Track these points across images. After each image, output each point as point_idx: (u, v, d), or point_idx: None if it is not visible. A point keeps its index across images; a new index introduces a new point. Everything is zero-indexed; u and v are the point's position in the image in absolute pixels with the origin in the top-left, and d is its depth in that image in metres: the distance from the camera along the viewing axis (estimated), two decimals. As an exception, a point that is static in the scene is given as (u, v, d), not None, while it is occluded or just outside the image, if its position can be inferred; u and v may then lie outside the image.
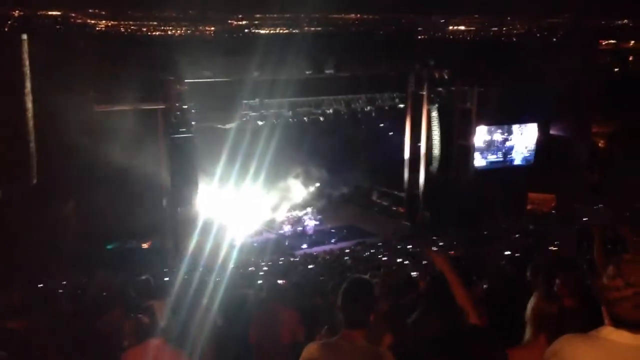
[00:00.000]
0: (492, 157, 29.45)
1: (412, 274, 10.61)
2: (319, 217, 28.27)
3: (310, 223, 27.41)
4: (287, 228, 27.26)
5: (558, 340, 2.82)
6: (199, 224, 24.90)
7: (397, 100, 27.25)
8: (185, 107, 23.22)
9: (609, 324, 2.67)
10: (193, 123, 23.53)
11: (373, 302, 3.66)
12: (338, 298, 3.65)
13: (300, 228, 27.45)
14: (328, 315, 5.29)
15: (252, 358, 6.42)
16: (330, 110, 25.99)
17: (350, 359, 3.51)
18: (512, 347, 3.79)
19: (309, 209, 28.19)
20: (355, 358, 3.52)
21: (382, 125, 29.53)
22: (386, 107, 27.04)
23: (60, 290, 14.11)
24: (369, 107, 26.67)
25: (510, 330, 4.46)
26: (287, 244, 26.05)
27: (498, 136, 29.41)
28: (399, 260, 17.70)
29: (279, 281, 11.29)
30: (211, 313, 6.59)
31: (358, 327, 3.57)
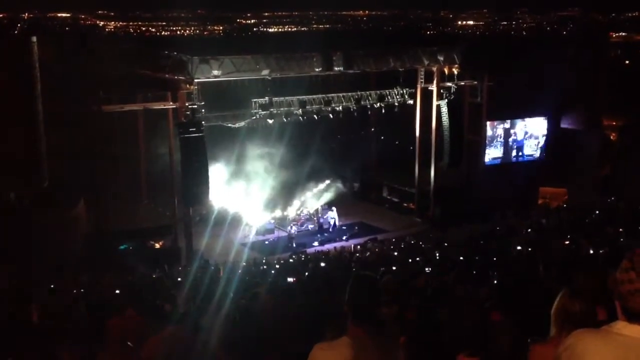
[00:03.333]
0: (495, 153, 29.35)
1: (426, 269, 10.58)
2: (330, 213, 28.24)
3: (327, 216, 27.47)
4: (298, 225, 27.22)
5: (571, 335, 2.77)
6: (211, 222, 24.99)
7: (406, 96, 27.16)
8: (195, 106, 23.26)
9: (622, 318, 2.61)
10: (203, 122, 23.57)
11: (379, 298, 3.65)
12: (345, 294, 3.65)
13: (312, 225, 27.44)
14: (337, 313, 5.29)
15: (263, 354, 6.43)
16: (340, 107, 25.94)
17: (362, 355, 3.50)
18: (535, 342, 3.77)
19: (319, 206, 28.17)
20: (366, 354, 3.51)
21: (391, 121, 29.41)
22: (395, 103, 26.97)
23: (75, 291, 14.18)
24: (378, 104, 26.61)
25: (524, 324, 4.46)
26: (295, 242, 25.94)
27: (501, 131, 29.35)
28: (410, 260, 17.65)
29: (290, 279, 11.31)
30: (224, 308, 6.62)
31: (364, 323, 3.56)
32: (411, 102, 27.45)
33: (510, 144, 29.64)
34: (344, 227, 27.70)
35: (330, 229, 27.21)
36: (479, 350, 3.13)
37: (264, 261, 21.41)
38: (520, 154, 29.86)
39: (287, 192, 28.12)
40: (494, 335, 4.31)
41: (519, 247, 15.45)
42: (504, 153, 29.53)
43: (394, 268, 13.10)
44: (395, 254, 19.77)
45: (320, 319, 5.49)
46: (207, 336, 5.58)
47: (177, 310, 5.11)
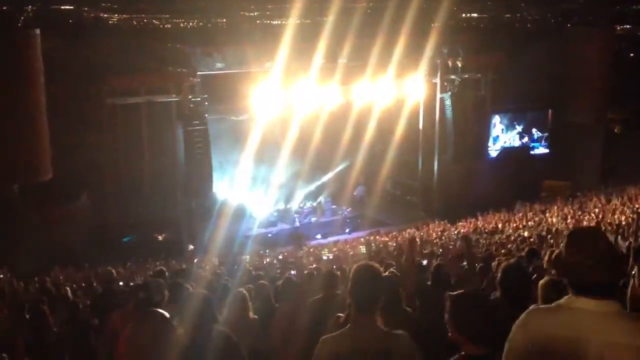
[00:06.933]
0: (499, 146, 29.29)
1: (423, 262, 10.56)
2: (333, 206, 28.21)
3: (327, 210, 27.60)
4: (301, 218, 27.19)
5: (525, 313, 2.92)
6: (214, 215, 24.98)
7: (410, 88, 27.04)
8: (199, 99, 23.22)
9: (571, 292, 2.80)
10: (206, 115, 23.53)
11: (382, 288, 3.65)
12: (348, 284, 3.65)
13: (314, 218, 27.40)
14: (338, 307, 5.27)
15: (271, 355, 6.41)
16: (344, 100, 25.87)
17: (366, 344, 3.50)
18: None
19: (322, 199, 28.14)
20: (371, 343, 3.51)
21: (394, 114, 29.30)
22: (399, 96, 26.87)
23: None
24: (381, 96, 26.50)
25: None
26: (297, 234, 25.92)
27: (505, 124, 29.29)
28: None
29: (292, 272, 11.28)
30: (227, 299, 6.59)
31: (368, 313, 3.57)
32: (414, 94, 27.35)
33: (515, 137, 29.60)
34: (348, 220, 27.66)
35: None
36: (484, 342, 3.16)
37: (267, 252, 21.44)
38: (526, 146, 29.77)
39: (290, 184, 28.06)
40: (498, 326, 4.30)
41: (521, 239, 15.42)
42: (508, 146, 29.47)
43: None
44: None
45: (323, 314, 5.47)
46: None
47: (153, 298, 5.03)
